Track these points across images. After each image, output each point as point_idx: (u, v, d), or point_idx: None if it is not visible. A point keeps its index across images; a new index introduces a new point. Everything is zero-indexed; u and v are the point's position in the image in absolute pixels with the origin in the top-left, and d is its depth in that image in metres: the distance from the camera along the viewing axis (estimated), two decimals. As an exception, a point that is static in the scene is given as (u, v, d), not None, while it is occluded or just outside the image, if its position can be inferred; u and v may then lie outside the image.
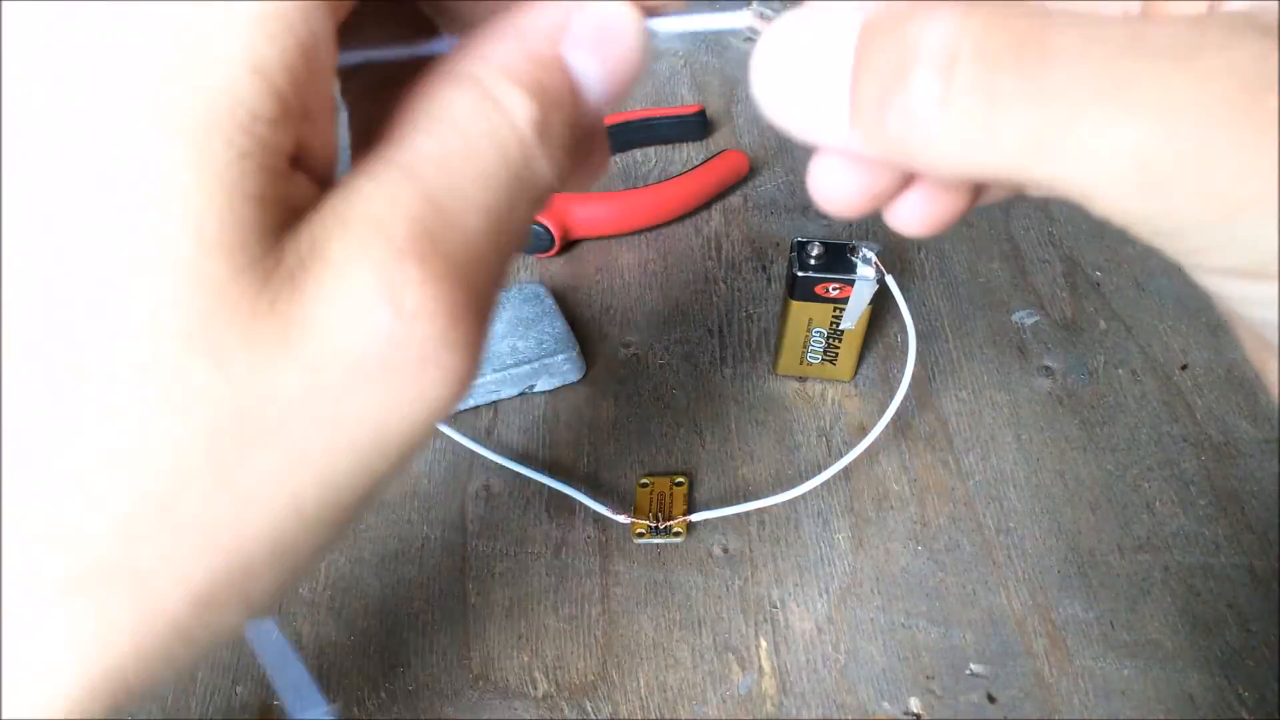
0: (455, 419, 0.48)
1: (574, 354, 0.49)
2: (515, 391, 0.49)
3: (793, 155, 0.62)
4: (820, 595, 0.42)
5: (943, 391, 0.49)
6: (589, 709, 0.39)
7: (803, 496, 0.44)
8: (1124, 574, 0.42)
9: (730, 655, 0.40)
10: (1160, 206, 0.14)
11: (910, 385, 0.45)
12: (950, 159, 0.15)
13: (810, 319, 0.46)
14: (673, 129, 0.62)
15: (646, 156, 0.62)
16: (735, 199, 0.59)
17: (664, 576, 0.43)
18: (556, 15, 0.16)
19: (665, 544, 0.43)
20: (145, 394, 0.13)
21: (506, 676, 0.40)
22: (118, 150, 0.12)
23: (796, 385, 0.50)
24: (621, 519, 0.43)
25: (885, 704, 0.39)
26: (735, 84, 0.67)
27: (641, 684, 0.39)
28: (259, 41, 0.13)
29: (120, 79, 0.13)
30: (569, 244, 0.56)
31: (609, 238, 0.57)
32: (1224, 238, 0.14)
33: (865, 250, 0.44)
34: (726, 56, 0.69)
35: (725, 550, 0.43)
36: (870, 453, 0.46)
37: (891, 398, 0.45)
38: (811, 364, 0.49)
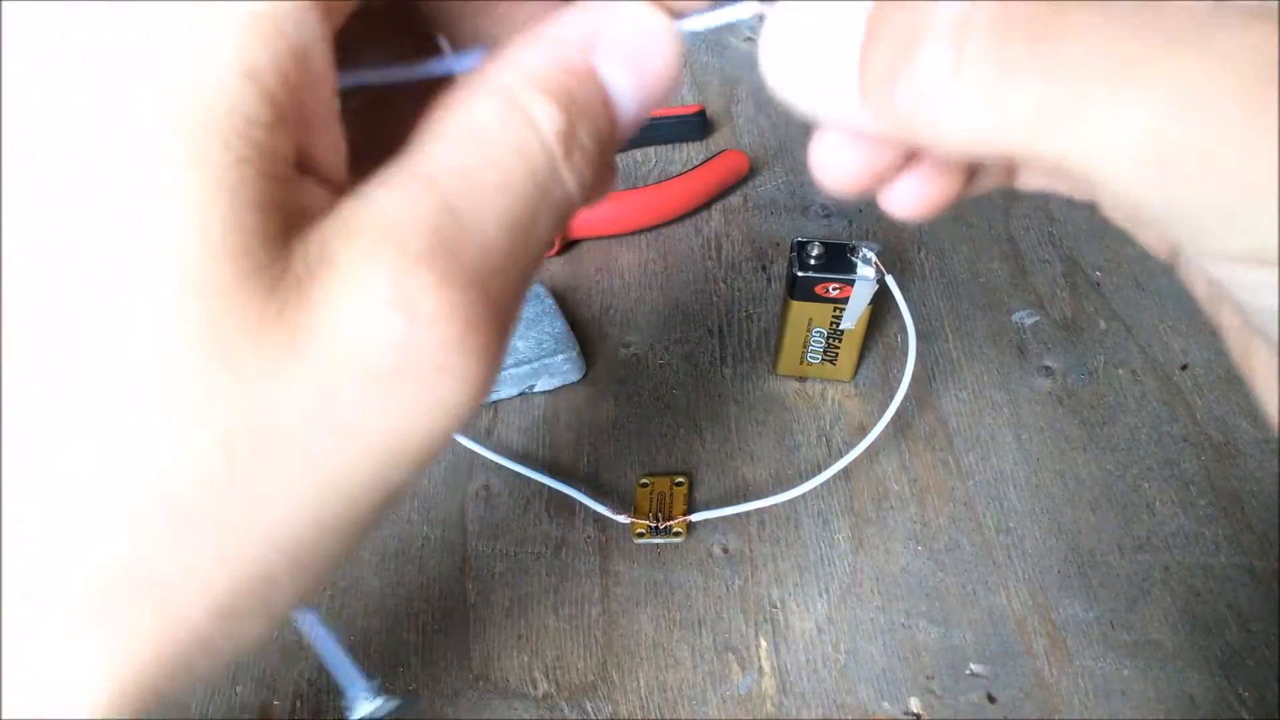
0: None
1: (574, 354, 0.49)
2: (515, 391, 0.49)
3: (793, 155, 0.62)
4: (820, 595, 0.42)
5: (943, 391, 0.49)
6: (589, 709, 0.39)
7: (803, 496, 0.44)
8: (1124, 574, 0.42)
9: (730, 655, 0.40)
10: (1167, 187, 0.14)
11: (910, 385, 0.45)
12: (958, 131, 0.14)
13: (810, 319, 0.46)
14: (672, 129, 0.62)
15: (646, 156, 0.62)
16: (735, 199, 0.59)
17: (664, 576, 0.43)
18: (588, 24, 0.16)
19: (665, 544, 0.43)
20: (152, 395, 0.12)
21: (506, 676, 0.40)
22: (118, 150, 0.12)
23: (796, 385, 0.50)
24: (621, 519, 0.43)
25: (885, 704, 0.39)
26: (735, 84, 0.67)
27: (641, 684, 0.39)
28: (251, 45, 0.13)
29: (120, 79, 0.13)
30: (569, 244, 0.56)
31: (609, 238, 0.57)
32: (1230, 221, 0.14)
33: (865, 250, 0.44)
34: (726, 56, 0.69)
35: (725, 550, 0.43)
36: (870, 453, 0.46)
37: (891, 398, 0.45)
38: (811, 364, 0.49)
